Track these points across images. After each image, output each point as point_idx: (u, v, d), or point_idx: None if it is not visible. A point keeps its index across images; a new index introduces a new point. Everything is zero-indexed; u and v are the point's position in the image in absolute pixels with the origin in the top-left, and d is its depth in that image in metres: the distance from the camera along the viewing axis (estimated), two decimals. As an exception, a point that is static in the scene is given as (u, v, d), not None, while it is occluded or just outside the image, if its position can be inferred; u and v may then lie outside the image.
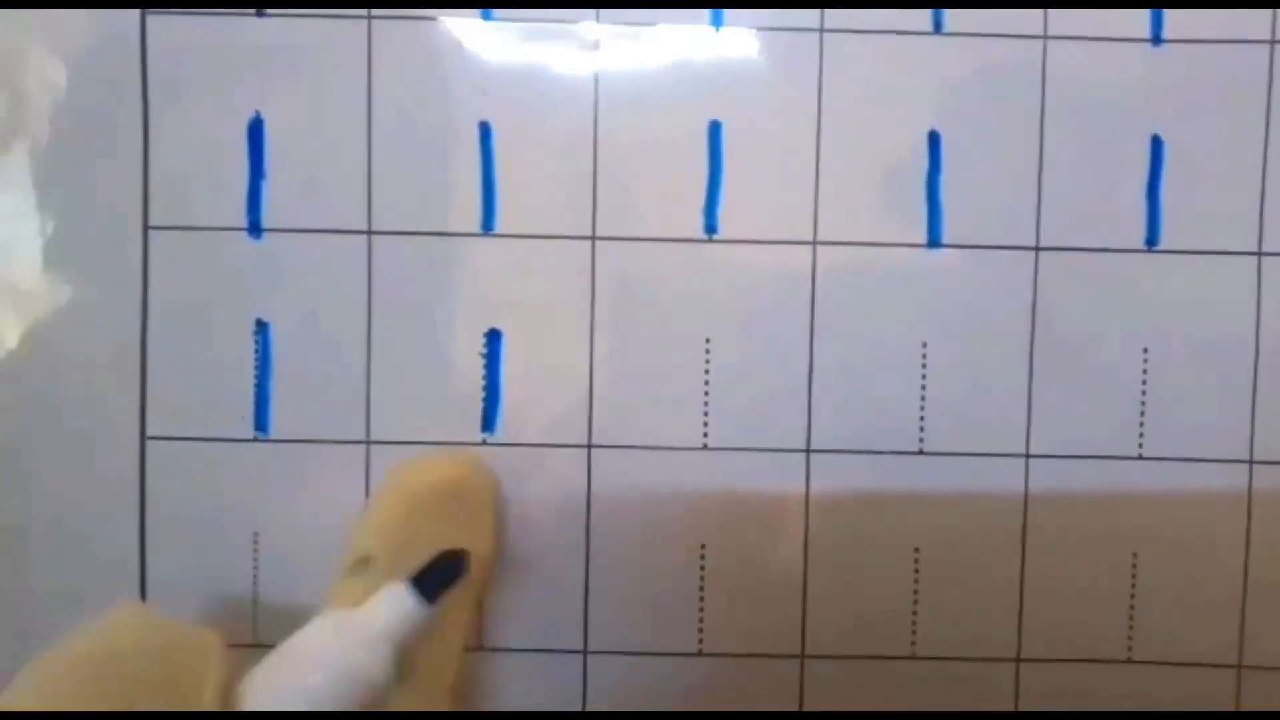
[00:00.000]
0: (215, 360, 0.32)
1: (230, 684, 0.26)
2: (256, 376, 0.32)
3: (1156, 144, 0.32)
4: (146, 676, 0.25)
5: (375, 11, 0.32)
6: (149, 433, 0.32)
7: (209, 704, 0.25)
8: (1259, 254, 0.32)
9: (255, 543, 0.33)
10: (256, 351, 0.32)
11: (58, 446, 0.32)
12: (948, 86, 0.32)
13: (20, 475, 0.32)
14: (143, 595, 0.33)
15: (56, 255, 0.32)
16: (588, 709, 0.33)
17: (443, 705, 0.29)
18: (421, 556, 0.28)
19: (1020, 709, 0.33)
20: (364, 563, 0.29)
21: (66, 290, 0.32)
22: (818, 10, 0.32)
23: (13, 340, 0.32)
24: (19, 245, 0.32)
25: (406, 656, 0.27)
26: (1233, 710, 0.33)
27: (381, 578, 0.28)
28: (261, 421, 0.32)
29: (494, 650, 0.33)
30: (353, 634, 0.26)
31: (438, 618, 0.28)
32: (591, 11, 0.32)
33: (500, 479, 0.32)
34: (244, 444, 0.32)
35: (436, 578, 0.28)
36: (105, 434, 0.32)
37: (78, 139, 0.32)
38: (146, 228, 0.32)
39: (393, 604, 0.27)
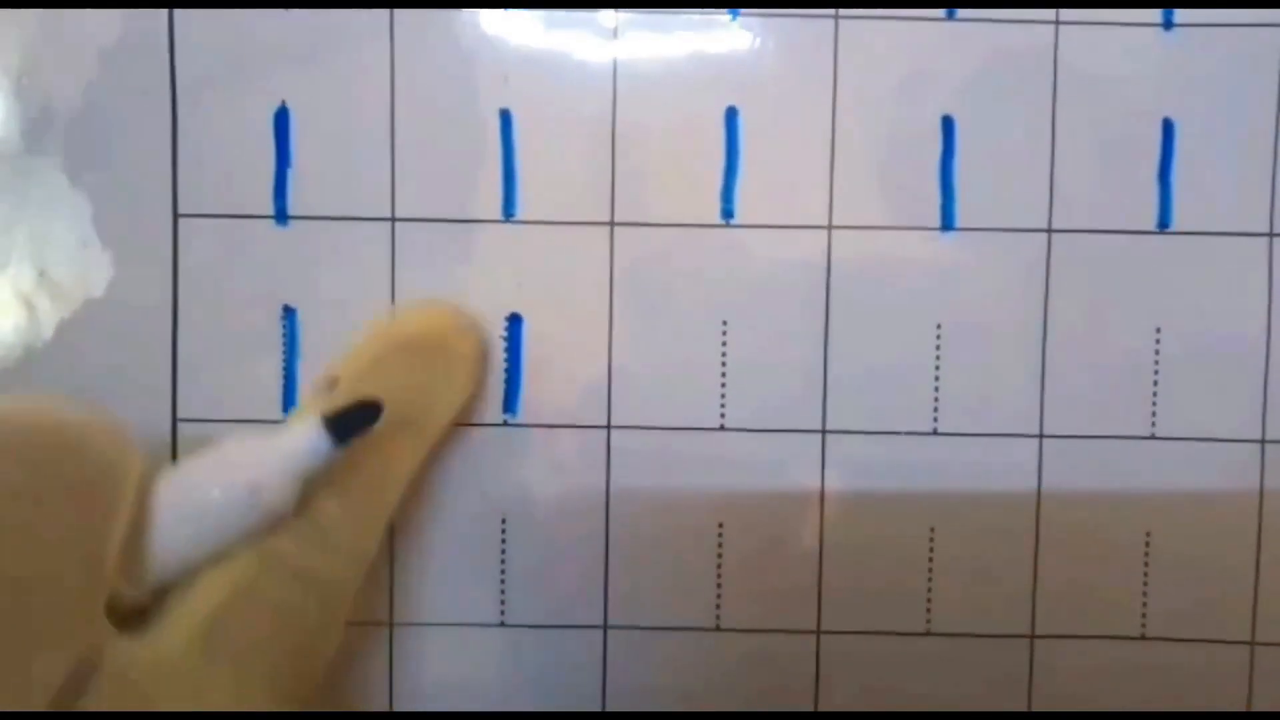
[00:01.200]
0: (244, 344, 0.33)
1: (150, 476, 0.26)
2: (284, 360, 0.33)
3: (1168, 127, 0.32)
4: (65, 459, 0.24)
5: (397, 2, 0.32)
6: (180, 414, 0.33)
7: (131, 491, 0.25)
8: (1270, 235, 0.32)
9: (283, 522, 0.33)
10: (284, 336, 0.33)
11: (91, 429, 0.33)
12: (961, 72, 0.32)
13: (55, 457, 0.33)
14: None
15: (89, 243, 0.33)
16: (607, 683, 0.33)
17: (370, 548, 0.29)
18: (386, 387, 0.29)
19: (1034, 685, 0.33)
20: (331, 383, 0.30)
21: (99, 277, 0.33)
22: (832, -3, 0.32)
23: (47, 327, 0.33)
24: (53, 235, 0.33)
25: (337, 500, 0.28)
26: (1244, 702, 0.33)
27: (341, 399, 0.28)
28: (290, 404, 0.33)
29: (515, 626, 0.33)
30: (260, 455, 0.27)
31: (376, 462, 0.29)
32: (610, -1, 0.32)
33: (485, 332, 0.32)
34: (273, 425, 0.33)
35: (351, 421, 0.27)
36: (138, 416, 0.33)
37: (108, 130, 0.33)
38: (176, 215, 0.33)
39: (304, 436, 0.27)
